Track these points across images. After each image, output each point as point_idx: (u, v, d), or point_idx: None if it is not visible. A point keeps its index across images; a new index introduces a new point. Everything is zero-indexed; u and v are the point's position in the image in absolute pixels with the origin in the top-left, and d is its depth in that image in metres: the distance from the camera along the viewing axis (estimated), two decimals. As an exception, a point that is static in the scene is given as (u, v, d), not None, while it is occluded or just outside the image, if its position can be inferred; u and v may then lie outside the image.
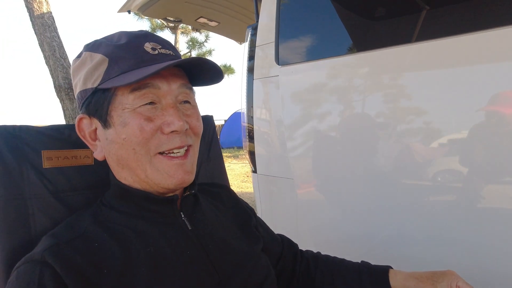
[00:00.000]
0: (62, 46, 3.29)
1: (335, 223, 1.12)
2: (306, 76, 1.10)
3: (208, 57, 9.28)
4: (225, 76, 8.87)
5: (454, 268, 0.82)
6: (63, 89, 3.31)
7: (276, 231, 1.44)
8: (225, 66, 8.58)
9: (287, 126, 1.16)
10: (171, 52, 0.49)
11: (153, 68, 0.44)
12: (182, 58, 0.48)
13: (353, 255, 1.08)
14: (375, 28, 0.99)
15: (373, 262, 0.98)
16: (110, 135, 0.46)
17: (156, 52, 0.47)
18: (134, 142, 0.45)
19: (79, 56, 0.50)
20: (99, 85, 0.46)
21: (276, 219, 1.37)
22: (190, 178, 0.48)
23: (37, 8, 3.23)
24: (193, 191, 0.52)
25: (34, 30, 3.30)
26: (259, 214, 1.44)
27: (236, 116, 8.82)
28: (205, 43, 8.31)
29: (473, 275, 0.81)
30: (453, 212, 0.84)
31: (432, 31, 0.83)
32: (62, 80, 3.20)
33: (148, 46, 0.47)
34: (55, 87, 3.38)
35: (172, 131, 0.46)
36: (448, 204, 0.86)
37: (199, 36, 8.50)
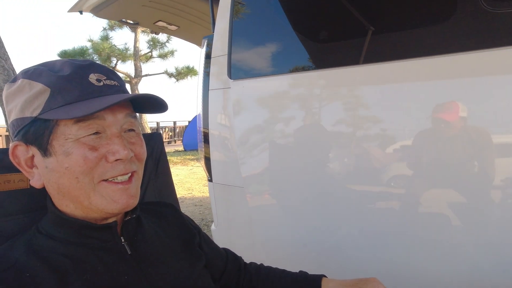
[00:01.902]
0: (3, 46, 3.03)
1: (287, 231, 1.17)
2: (256, 91, 1.15)
3: (170, 58, 9.08)
4: (188, 77, 8.74)
5: (394, 271, 0.90)
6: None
7: (232, 240, 1.47)
8: (187, 67, 8.46)
9: (237, 135, 1.19)
10: (116, 83, 0.49)
11: (100, 102, 0.44)
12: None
13: (305, 261, 1.14)
14: (323, 49, 1.06)
15: (322, 265, 1.03)
16: (50, 163, 0.46)
17: (101, 83, 0.47)
18: (78, 171, 0.45)
19: (14, 81, 0.48)
20: (39, 114, 0.45)
21: (232, 228, 1.39)
22: (134, 202, 0.49)
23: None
24: (134, 216, 0.53)
25: None
26: (215, 223, 1.46)
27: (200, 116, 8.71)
28: (167, 44, 8.13)
29: (416, 276, 0.90)
30: (402, 216, 0.91)
31: (378, 54, 0.91)
32: (3, 83, 2.95)
33: (93, 78, 0.47)
34: (-6, 90, 3.10)
35: (116, 160, 0.46)
36: (397, 209, 0.93)
37: (161, 36, 8.29)
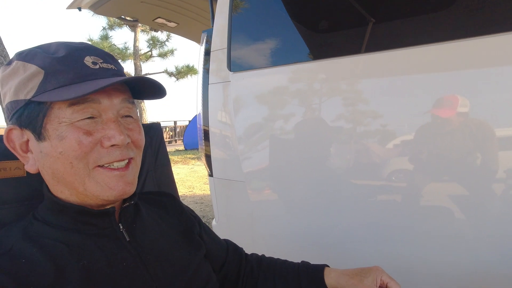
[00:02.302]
0: (2, 43, 3.03)
1: (288, 225, 1.17)
2: (257, 82, 1.14)
3: (170, 57, 9.05)
4: (188, 76, 8.73)
5: (396, 263, 0.90)
6: None
7: (233, 234, 1.46)
8: (187, 66, 8.43)
9: (238, 131, 1.18)
10: (113, 66, 0.48)
11: (94, 85, 0.43)
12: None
13: (306, 256, 1.13)
14: (324, 39, 1.05)
15: (324, 259, 1.03)
16: (44, 148, 0.45)
17: (97, 66, 0.46)
18: (72, 156, 0.44)
19: (9, 63, 0.47)
20: (33, 97, 0.44)
21: (233, 223, 1.39)
22: (131, 189, 0.48)
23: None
24: (132, 202, 0.52)
25: None
26: (216, 218, 1.45)
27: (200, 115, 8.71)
28: (166, 43, 8.11)
29: (416, 270, 0.89)
30: (403, 210, 0.91)
31: (379, 43, 0.90)
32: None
33: (88, 60, 0.45)
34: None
35: (112, 145, 0.45)
36: (398, 203, 0.92)
37: (160, 35, 8.28)
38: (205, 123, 1.33)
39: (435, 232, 0.85)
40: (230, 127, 1.22)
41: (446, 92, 0.80)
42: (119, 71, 0.49)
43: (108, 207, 0.49)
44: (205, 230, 0.67)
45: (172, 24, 2.72)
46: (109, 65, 0.47)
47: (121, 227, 0.50)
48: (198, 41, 3.31)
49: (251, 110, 1.17)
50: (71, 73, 0.44)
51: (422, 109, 0.83)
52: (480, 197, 0.78)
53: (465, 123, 0.79)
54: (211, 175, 1.39)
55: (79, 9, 2.24)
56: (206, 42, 1.36)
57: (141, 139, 0.51)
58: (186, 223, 0.62)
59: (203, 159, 1.41)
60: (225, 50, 1.23)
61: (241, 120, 1.18)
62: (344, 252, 1.04)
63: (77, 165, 0.44)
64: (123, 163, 0.47)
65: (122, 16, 2.47)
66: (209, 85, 1.31)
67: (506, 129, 0.74)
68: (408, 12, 0.85)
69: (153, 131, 0.75)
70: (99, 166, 0.45)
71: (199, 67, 1.38)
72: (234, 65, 1.16)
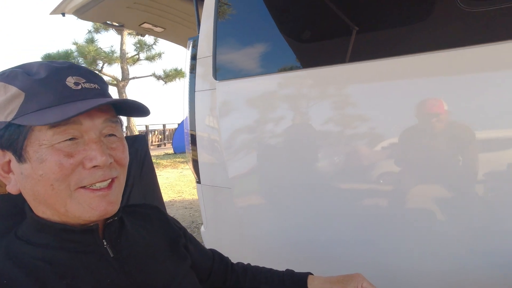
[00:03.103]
0: None
1: (276, 231, 1.18)
2: (242, 91, 1.15)
3: (158, 60, 8.97)
4: (177, 80, 8.68)
5: (387, 266, 0.92)
6: None
7: (221, 241, 1.47)
8: (176, 69, 8.39)
9: (224, 137, 1.19)
10: (96, 86, 0.48)
11: (74, 108, 0.42)
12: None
13: (294, 260, 1.15)
14: (309, 48, 1.07)
15: (312, 263, 1.03)
16: (25, 170, 0.44)
17: (80, 87, 0.45)
18: (52, 178, 0.43)
19: None
20: (13, 119, 0.43)
21: (221, 229, 1.39)
22: (114, 208, 0.48)
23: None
24: (116, 218, 0.52)
25: None
26: (204, 225, 1.45)
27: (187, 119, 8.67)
28: (154, 46, 8.05)
29: (404, 273, 0.92)
30: (390, 214, 0.92)
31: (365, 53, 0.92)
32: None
33: (70, 81, 0.45)
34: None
35: (94, 166, 0.45)
36: (385, 206, 0.94)
37: (148, 38, 8.20)
38: (191, 128, 1.34)
39: (425, 236, 0.87)
40: (217, 134, 1.23)
41: (429, 97, 0.83)
42: (103, 89, 0.49)
43: (91, 224, 0.49)
44: (191, 241, 0.68)
45: (159, 29, 2.71)
46: (92, 84, 0.47)
47: (105, 243, 0.50)
48: (185, 45, 3.29)
49: (237, 116, 1.18)
50: (52, 95, 0.44)
51: (407, 114, 0.85)
52: (469, 200, 0.81)
53: (448, 126, 0.82)
54: (198, 182, 1.39)
55: (63, 14, 2.21)
56: (192, 49, 1.37)
57: (125, 157, 0.50)
58: (171, 235, 0.62)
59: (191, 165, 1.41)
60: (211, 58, 1.24)
61: (227, 126, 1.19)
62: (332, 256, 1.06)
63: (58, 187, 0.44)
64: (105, 183, 0.47)
65: (108, 22, 2.45)
66: (195, 92, 1.32)
67: (489, 131, 0.77)
68: (388, 22, 0.88)
69: (138, 142, 0.76)
70: (81, 187, 0.45)
71: (186, 74, 1.39)
72: (219, 74, 1.17)
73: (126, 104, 0.50)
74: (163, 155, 9.60)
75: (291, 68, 1.05)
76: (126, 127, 9.16)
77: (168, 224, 0.64)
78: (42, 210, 0.47)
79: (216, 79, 1.17)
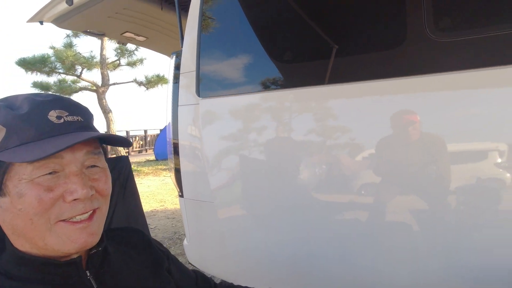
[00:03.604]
0: None
1: (259, 246, 1.19)
2: (224, 109, 1.17)
3: (140, 66, 8.82)
4: (159, 86, 8.57)
5: (367, 277, 0.94)
6: None
7: (204, 255, 1.46)
8: (158, 76, 8.28)
9: (207, 153, 1.20)
10: (79, 118, 0.48)
11: (55, 144, 0.42)
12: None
13: (277, 273, 1.16)
14: (291, 68, 1.10)
15: (294, 274, 1.05)
16: (4, 203, 0.44)
17: (62, 120, 0.45)
18: (32, 213, 0.43)
19: None
20: None
21: (204, 243, 1.39)
22: (95, 240, 0.48)
23: None
24: (100, 248, 0.52)
25: None
26: (187, 238, 1.45)
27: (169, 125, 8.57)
28: (135, 52, 7.93)
29: (384, 285, 0.95)
30: (371, 225, 0.95)
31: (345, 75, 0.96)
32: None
33: (53, 115, 0.45)
34: None
35: (74, 199, 0.45)
36: (365, 218, 0.97)
37: (130, 45, 8.03)
38: (175, 141, 1.33)
39: (405, 247, 0.90)
40: (200, 149, 1.24)
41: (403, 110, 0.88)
42: (86, 121, 0.49)
43: (74, 256, 0.49)
44: (174, 263, 0.68)
45: (141, 38, 2.69)
46: (75, 117, 0.47)
47: (88, 274, 0.50)
48: (168, 54, 3.28)
49: (220, 132, 1.19)
50: (33, 131, 0.44)
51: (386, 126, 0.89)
52: (445, 210, 0.85)
53: (421, 139, 0.86)
54: (181, 196, 1.39)
55: (41, 22, 2.16)
56: (176, 61, 1.37)
57: (107, 188, 0.50)
58: (155, 260, 0.62)
59: (173, 180, 1.41)
60: (194, 73, 1.25)
61: (210, 142, 1.20)
62: (313, 271, 1.08)
63: (37, 221, 0.44)
64: (86, 215, 0.46)
65: (88, 30, 2.40)
66: (179, 107, 1.32)
67: (458, 143, 0.82)
68: (363, 47, 0.92)
69: (121, 164, 0.76)
70: (61, 220, 0.45)
71: (169, 87, 1.39)
72: (202, 91, 1.18)
73: (107, 137, 0.50)
74: (145, 161, 9.42)
75: (275, 87, 1.08)
76: (106, 133, 8.91)
77: (152, 248, 0.64)
78: (21, 243, 0.46)
79: (199, 96, 1.18)
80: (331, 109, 1.00)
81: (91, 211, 0.47)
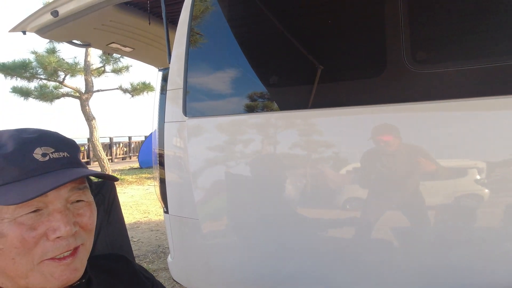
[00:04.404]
0: None
1: (242, 263, 1.20)
2: (212, 127, 1.18)
3: (125, 73, 8.68)
4: (145, 93, 8.48)
5: None
6: None
7: (189, 272, 1.45)
8: (144, 83, 8.19)
9: (193, 170, 1.21)
10: (66, 154, 0.47)
11: (40, 185, 0.42)
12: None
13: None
14: (277, 92, 1.13)
15: None
16: None
17: (47, 158, 0.45)
18: (14, 252, 0.42)
19: None
20: None
21: (188, 259, 1.38)
22: (78, 275, 0.47)
23: None
24: (83, 280, 0.52)
25: None
26: (172, 255, 1.43)
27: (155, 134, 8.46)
28: (121, 59, 7.82)
29: None
30: (353, 241, 0.99)
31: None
32: None
33: (38, 152, 0.44)
34: None
35: (58, 237, 0.44)
36: (349, 240, 1.00)
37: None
38: (160, 158, 1.33)
39: (388, 264, 0.94)
40: (185, 166, 1.24)
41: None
42: (72, 157, 0.49)
43: None
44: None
45: (128, 49, 2.67)
46: (61, 153, 0.47)
47: None
48: (155, 65, 3.27)
49: (205, 150, 1.20)
50: (17, 171, 0.43)
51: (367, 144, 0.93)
52: (420, 228, 0.89)
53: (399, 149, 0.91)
54: (166, 212, 1.38)
55: (24, 32, 2.12)
56: (163, 80, 1.38)
57: (91, 223, 0.50)
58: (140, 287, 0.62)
59: (159, 196, 1.40)
60: (181, 91, 1.26)
61: (195, 159, 1.21)
62: (299, 283, 1.10)
63: (20, 261, 0.43)
64: (69, 252, 0.46)
65: (73, 41, 2.37)
66: (165, 123, 1.33)
67: (431, 163, 0.87)
68: (347, 76, 0.97)
69: (105, 189, 0.75)
70: (44, 259, 0.44)
71: (155, 103, 1.39)
72: (189, 110, 1.19)
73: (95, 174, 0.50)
74: (128, 169, 9.24)
75: (260, 110, 1.11)
76: (89, 140, 8.72)
77: (136, 276, 0.64)
78: (1, 281, 0.46)
79: (185, 115, 1.19)
80: (314, 130, 1.03)
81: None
